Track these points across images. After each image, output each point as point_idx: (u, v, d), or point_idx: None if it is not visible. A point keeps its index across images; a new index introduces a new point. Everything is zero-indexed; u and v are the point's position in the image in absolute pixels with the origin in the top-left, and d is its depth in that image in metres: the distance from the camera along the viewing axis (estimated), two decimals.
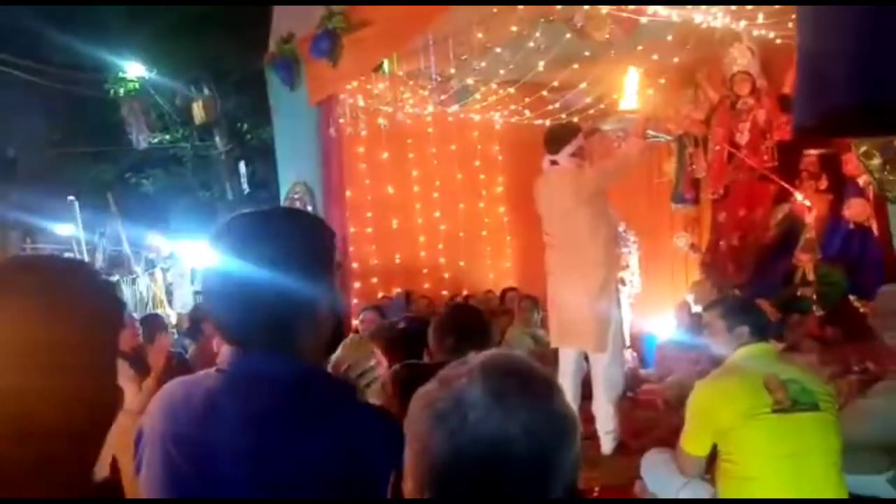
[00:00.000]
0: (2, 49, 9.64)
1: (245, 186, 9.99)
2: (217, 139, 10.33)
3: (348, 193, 6.10)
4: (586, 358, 4.06)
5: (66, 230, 12.43)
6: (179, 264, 9.33)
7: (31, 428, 0.81)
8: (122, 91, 10.09)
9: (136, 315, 5.33)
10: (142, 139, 9.94)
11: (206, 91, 9.74)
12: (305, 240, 1.11)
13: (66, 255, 11.56)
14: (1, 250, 12.58)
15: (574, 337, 4.00)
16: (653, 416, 4.65)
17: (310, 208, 5.71)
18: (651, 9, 4.30)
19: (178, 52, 9.66)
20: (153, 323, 4.36)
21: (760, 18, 4.53)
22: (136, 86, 10.01)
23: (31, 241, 12.48)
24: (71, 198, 11.74)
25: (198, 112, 9.50)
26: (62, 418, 0.82)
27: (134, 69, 10.12)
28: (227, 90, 10.07)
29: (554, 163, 3.93)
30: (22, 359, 0.82)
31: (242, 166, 10.01)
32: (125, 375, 3.40)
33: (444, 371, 0.87)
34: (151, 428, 1.08)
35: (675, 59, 5.67)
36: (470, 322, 2.30)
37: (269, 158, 7.77)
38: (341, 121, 5.75)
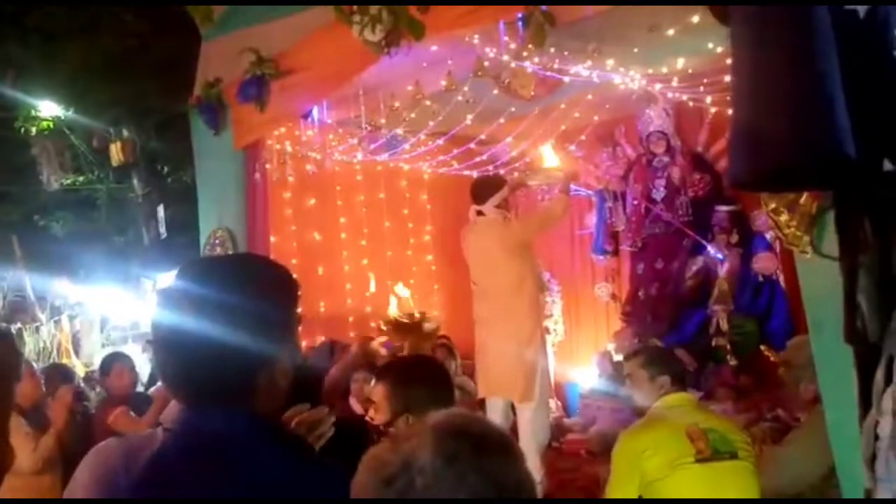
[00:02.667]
0: None
1: (163, 231, 9.62)
2: (135, 182, 9.96)
3: (273, 239, 5.97)
4: (513, 408, 4.06)
5: None
6: (88, 312, 8.82)
7: None
8: (34, 129, 9.63)
9: (39, 366, 4.97)
10: (53, 180, 9.46)
11: (125, 132, 9.42)
12: (267, 288, 1.03)
13: None
14: None
15: (501, 387, 4.00)
16: (577, 465, 4.67)
17: (231, 254, 5.54)
18: (573, 69, 4.49)
19: (96, 92, 9.33)
20: (56, 374, 4.07)
21: (675, 82, 4.80)
22: (51, 124, 9.58)
23: None
24: None
25: (116, 153, 9.14)
26: None
27: (48, 107, 9.70)
28: (148, 132, 9.78)
29: (480, 213, 4.00)
30: None
31: (161, 210, 9.65)
32: (20, 432, 3.13)
33: (398, 432, 0.84)
34: (84, 490, 0.98)
35: (596, 118, 5.93)
36: (433, 376, 2.15)
37: (189, 203, 7.54)
38: (268, 166, 5.65)
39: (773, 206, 2.50)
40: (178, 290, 1.00)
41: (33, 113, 10.13)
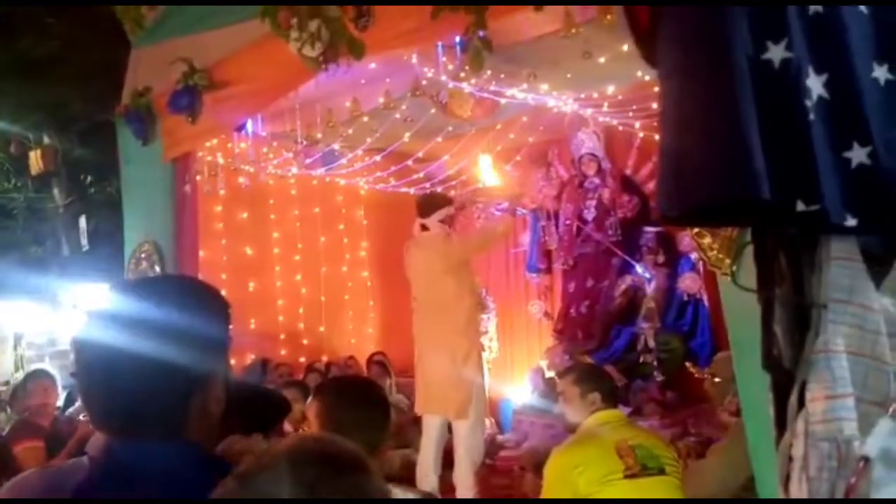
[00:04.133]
0: None
1: (85, 242, 9.21)
2: (55, 191, 9.51)
3: (202, 253, 5.81)
4: (449, 426, 4.07)
5: None
6: (1, 327, 8.32)
7: None
8: None
9: None
10: None
11: (45, 139, 8.99)
12: (199, 310, 0.99)
13: None
14: None
15: (438, 403, 4.01)
16: (510, 482, 4.71)
17: (157, 268, 5.35)
18: (509, 91, 4.59)
19: (15, 96, 8.89)
20: None
21: (605, 107, 4.97)
22: None
23: None
24: None
25: (35, 161, 8.71)
26: None
27: None
28: (71, 140, 9.37)
29: (424, 227, 4.03)
30: None
31: (83, 221, 9.24)
32: None
33: (243, 466, 0.79)
34: None
35: (530, 139, 6.07)
36: (367, 397, 2.10)
37: (113, 214, 7.25)
38: (198, 178, 5.51)
39: (696, 229, 2.62)
40: (105, 311, 0.96)
41: None
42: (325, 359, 6.55)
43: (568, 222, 6.18)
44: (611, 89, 4.59)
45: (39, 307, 8.22)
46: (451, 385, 3.95)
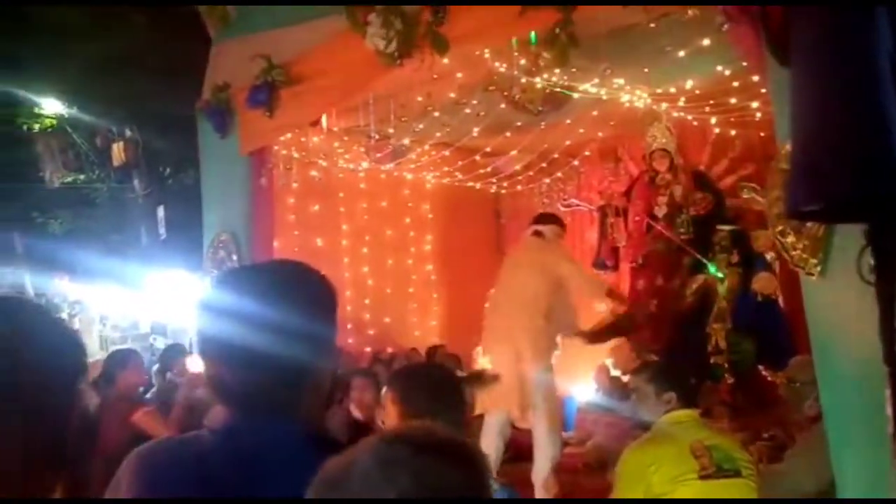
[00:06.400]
0: None
1: (162, 231, 9.62)
2: (136, 182, 9.96)
3: (276, 244, 5.98)
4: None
5: None
6: (87, 310, 8.79)
7: None
8: (36, 127, 9.63)
9: None
10: (55, 178, 9.46)
11: (128, 132, 9.43)
12: (312, 295, 1.05)
13: None
14: None
15: (503, 400, 4.02)
16: (575, 479, 4.69)
17: (234, 257, 5.55)
18: (582, 86, 4.56)
19: (101, 91, 9.34)
20: None
21: (681, 102, 4.87)
22: (54, 122, 9.58)
23: None
24: None
25: (118, 153, 9.15)
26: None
27: (51, 105, 9.70)
28: (151, 133, 9.79)
29: (536, 234, 4.09)
30: None
31: (161, 211, 9.66)
32: None
33: (337, 460, 0.83)
34: (131, 497, 0.98)
35: (600, 134, 6.00)
36: (440, 384, 2.15)
37: (189, 204, 7.55)
38: (273, 171, 5.68)
39: (780, 227, 2.55)
40: (224, 300, 1.02)
41: (36, 110, 10.12)
42: (389, 349, 6.65)
43: (637, 219, 6.07)
44: (689, 84, 4.49)
45: (122, 291, 8.64)
46: (518, 383, 3.96)
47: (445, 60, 4.23)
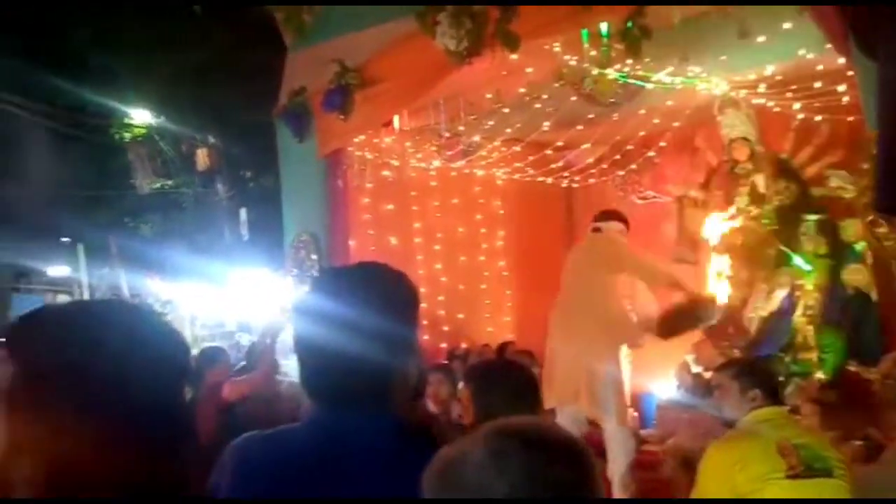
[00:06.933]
0: (8, 90, 9.77)
1: (245, 232, 10.04)
2: (219, 185, 10.42)
3: (352, 243, 6.14)
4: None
5: (60, 272, 12.35)
6: (177, 309, 9.28)
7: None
8: (127, 136, 10.22)
9: None
10: (145, 184, 10.02)
11: (210, 138, 9.87)
12: (397, 295, 1.11)
13: (63, 297, 11.50)
14: None
15: (571, 396, 4.00)
16: (656, 477, 4.60)
17: (314, 256, 5.73)
18: (655, 76, 4.46)
19: (184, 100, 9.82)
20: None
21: (762, 88, 4.69)
22: (143, 132, 10.15)
23: (24, 281, 12.40)
24: (66, 240, 11.70)
25: (202, 159, 9.61)
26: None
27: (140, 115, 10.27)
28: (232, 139, 10.21)
29: (597, 230, 4.07)
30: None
31: (243, 213, 10.08)
32: None
33: (445, 452, 0.85)
34: (233, 484, 1.05)
35: (676, 123, 5.84)
36: (516, 381, 2.16)
37: (269, 206, 7.83)
38: (348, 173, 5.83)
39: (871, 217, 2.44)
40: (316, 302, 1.08)
41: (126, 121, 10.72)
42: (463, 345, 6.70)
43: (718, 211, 5.89)
44: (769, 69, 4.32)
45: (208, 290, 9.06)
46: (586, 380, 3.93)
47: (515, 56, 4.24)
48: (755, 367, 2.86)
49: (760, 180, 5.67)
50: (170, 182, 10.85)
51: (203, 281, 9.10)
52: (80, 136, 10.63)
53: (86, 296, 10.22)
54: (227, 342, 7.72)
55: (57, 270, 12.22)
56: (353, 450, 1.02)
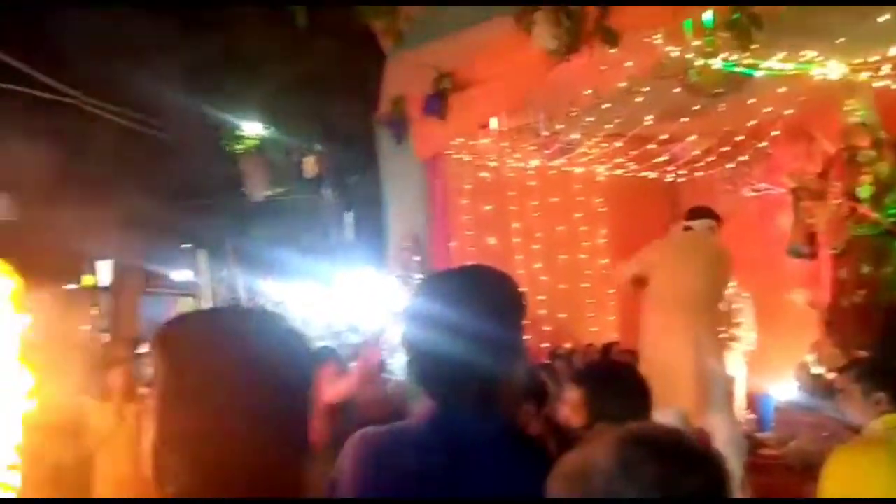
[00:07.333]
0: (131, 107, 10.60)
1: (350, 235, 10.42)
2: (325, 191, 10.85)
3: (452, 244, 6.23)
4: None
5: (183, 276, 13.27)
6: (290, 311, 9.76)
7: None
8: (240, 147, 10.84)
9: None
10: (257, 192, 10.60)
11: (316, 146, 10.29)
12: (503, 299, 1.15)
13: (187, 299, 12.37)
14: (123, 293, 13.62)
15: (673, 397, 3.88)
16: (773, 482, 4.40)
17: (417, 258, 5.87)
18: (765, 63, 4.25)
19: (291, 111, 10.30)
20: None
21: (885, 70, 4.36)
22: (255, 142, 10.74)
23: (151, 286, 13.39)
24: (187, 245, 12.56)
25: (309, 166, 10.05)
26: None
27: (250, 127, 10.87)
28: (336, 145, 10.60)
29: (688, 228, 3.97)
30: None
31: (348, 216, 10.46)
32: None
33: (573, 456, 0.86)
34: (353, 478, 1.10)
35: (789, 111, 5.53)
36: (628, 386, 2.14)
37: (373, 209, 8.06)
38: (447, 175, 5.93)
39: None
40: (426, 306, 1.13)
41: (237, 132, 11.37)
42: (567, 345, 6.64)
43: (837, 202, 5.52)
44: (893, 50, 4.02)
45: (317, 292, 9.46)
46: (695, 380, 3.81)
47: (613, 50, 4.17)
48: (880, 368, 2.68)
49: (884, 168, 5.27)
50: (280, 189, 11.43)
51: (312, 282, 9.50)
52: (196, 148, 11.37)
53: (207, 298, 10.93)
54: (336, 342, 8.01)
55: (180, 275, 13.13)
56: (466, 447, 1.06)
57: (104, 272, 11.98)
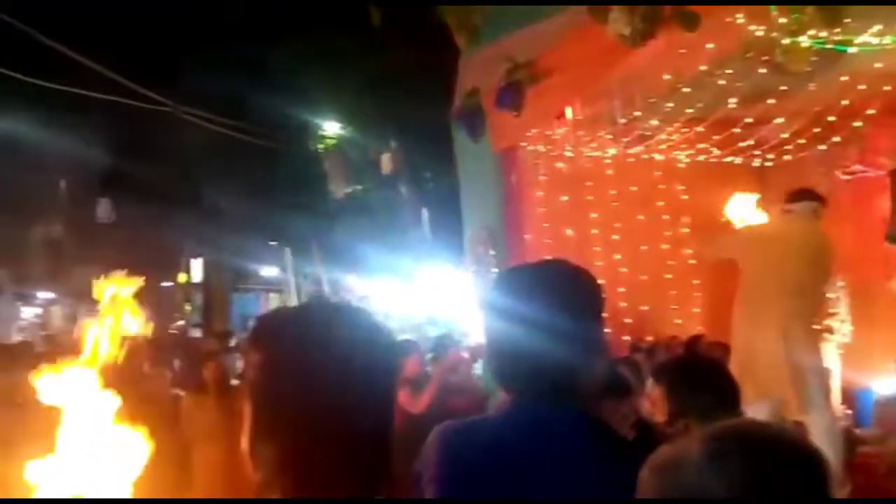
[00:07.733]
0: (223, 114, 11.11)
1: (427, 230, 10.55)
2: (402, 187, 11.04)
3: (527, 237, 6.19)
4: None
5: (270, 272, 13.83)
6: (373, 305, 10.00)
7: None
8: (321, 147, 11.19)
9: None
10: (339, 190, 10.91)
11: (392, 144, 10.48)
12: (579, 293, 1.15)
13: (275, 295, 12.91)
14: (218, 288, 14.32)
15: (766, 391, 3.73)
16: (873, 482, 4.16)
17: (492, 252, 5.88)
18: (860, 38, 4.00)
19: (368, 110, 10.52)
20: None
21: None
22: (335, 142, 11.05)
23: (242, 282, 14.03)
24: (274, 243, 13.08)
25: (386, 163, 10.24)
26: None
27: (330, 126, 11.20)
28: (412, 142, 10.76)
29: (788, 212, 3.81)
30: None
31: (425, 212, 10.60)
32: None
33: (660, 454, 0.86)
34: (436, 470, 1.12)
35: (886, 88, 5.18)
36: (711, 381, 2.06)
37: (449, 205, 8.13)
38: (522, 167, 5.90)
39: None
40: (504, 300, 1.14)
41: (319, 133, 11.72)
42: (649, 338, 6.49)
43: None
44: None
45: (397, 285, 9.66)
46: (790, 372, 3.64)
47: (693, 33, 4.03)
48: None
49: None
50: (359, 187, 11.70)
51: (392, 276, 9.69)
52: (280, 149, 11.80)
53: (294, 294, 11.34)
54: (416, 334, 8.15)
55: (268, 271, 13.68)
56: (547, 440, 1.07)
57: (197, 269, 12.64)
